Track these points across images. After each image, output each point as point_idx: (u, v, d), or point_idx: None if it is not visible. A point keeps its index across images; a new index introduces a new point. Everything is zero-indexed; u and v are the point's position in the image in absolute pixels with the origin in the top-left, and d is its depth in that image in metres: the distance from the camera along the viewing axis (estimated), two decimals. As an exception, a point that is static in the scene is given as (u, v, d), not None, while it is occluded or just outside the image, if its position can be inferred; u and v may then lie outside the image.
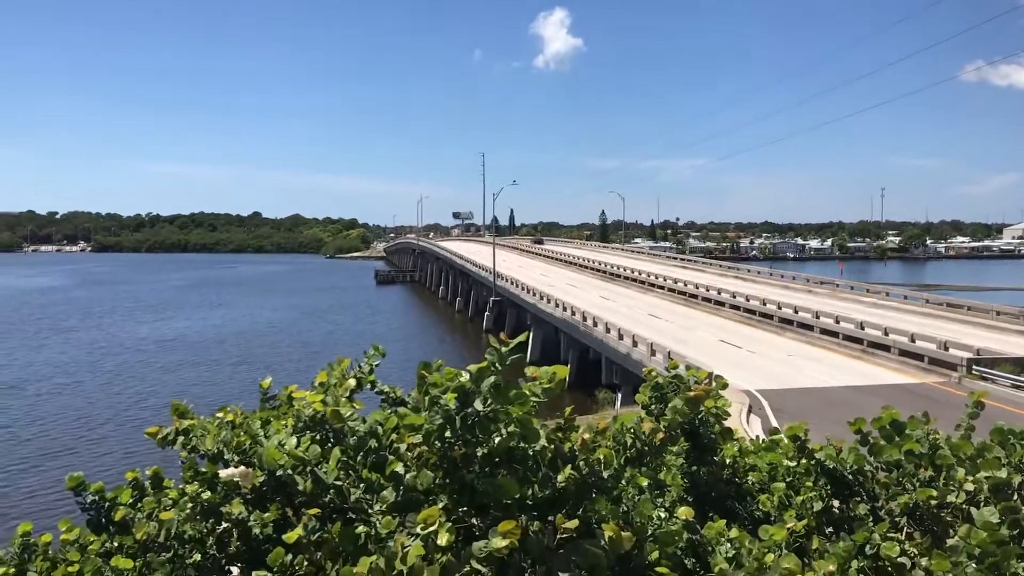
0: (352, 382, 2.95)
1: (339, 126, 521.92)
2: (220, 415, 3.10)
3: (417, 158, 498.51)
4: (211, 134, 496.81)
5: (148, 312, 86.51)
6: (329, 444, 2.77)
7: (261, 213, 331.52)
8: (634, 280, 64.82)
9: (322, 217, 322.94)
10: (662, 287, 58.25)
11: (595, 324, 40.67)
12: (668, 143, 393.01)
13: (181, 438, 3.00)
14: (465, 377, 2.45)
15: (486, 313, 70.56)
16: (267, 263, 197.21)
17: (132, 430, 33.86)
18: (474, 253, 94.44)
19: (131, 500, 2.93)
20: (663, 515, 2.66)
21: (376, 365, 3.09)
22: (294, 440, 2.76)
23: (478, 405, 2.40)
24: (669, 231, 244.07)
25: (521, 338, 2.53)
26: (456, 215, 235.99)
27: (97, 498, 2.89)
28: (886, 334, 31.61)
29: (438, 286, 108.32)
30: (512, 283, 63.64)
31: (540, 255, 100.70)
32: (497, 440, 2.41)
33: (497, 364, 2.46)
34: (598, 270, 75.51)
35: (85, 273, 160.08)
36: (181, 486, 2.88)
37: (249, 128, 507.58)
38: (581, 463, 2.52)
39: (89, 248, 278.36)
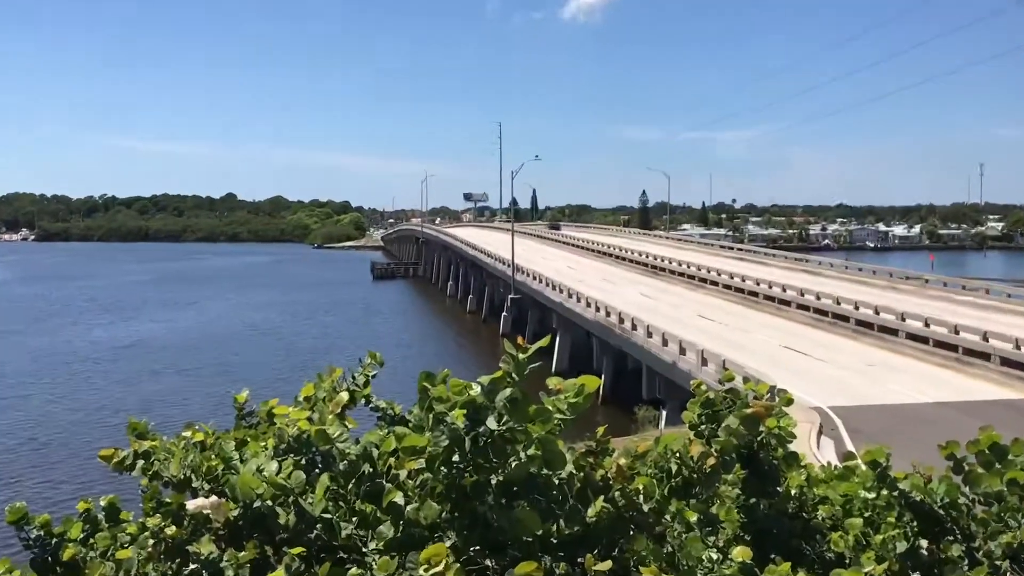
0: (344, 396, 2.96)
1: (327, 92, 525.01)
2: (187, 435, 3.12)
3: (421, 129, 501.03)
4: (176, 101, 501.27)
5: (104, 312, 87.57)
6: (316, 470, 2.78)
7: (236, 195, 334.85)
8: (681, 275, 64.76)
9: (308, 200, 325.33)
10: (715, 283, 58.16)
11: (634, 327, 40.70)
12: (721, 109, 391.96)
13: (141, 462, 3.03)
14: (476, 390, 2.45)
15: (503, 314, 70.80)
16: (244, 254, 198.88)
17: (85, 453, 34.11)
18: (489, 242, 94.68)
19: (82, 536, 2.91)
20: (715, 556, 2.65)
21: (373, 376, 3.10)
22: (274, 465, 2.78)
23: (492, 423, 2.41)
24: (723, 215, 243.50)
25: (543, 342, 2.53)
26: (467, 197, 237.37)
27: (42, 533, 2.89)
28: (986, 339, 31.39)
29: (446, 281, 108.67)
30: (535, 278, 63.81)
31: (567, 244, 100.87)
32: (515, 465, 2.42)
33: (514, 374, 2.46)
34: (638, 262, 75.50)
35: (29, 266, 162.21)
36: (141, 519, 2.88)
37: (221, 95, 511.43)
38: (616, 494, 2.52)
39: (32, 236, 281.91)
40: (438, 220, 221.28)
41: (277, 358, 60.49)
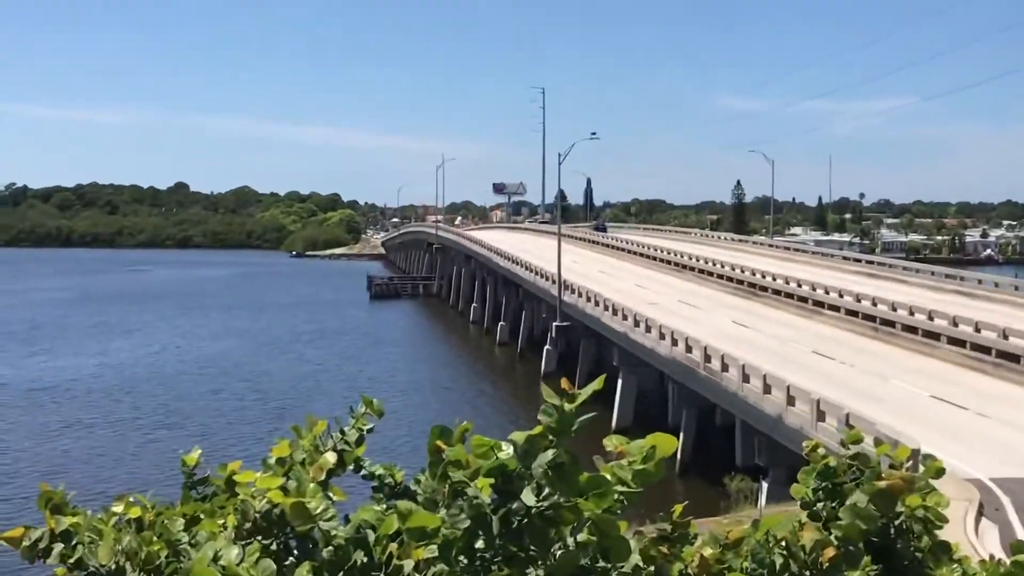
0: (330, 458, 2.97)
1: (312, 46, 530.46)
2: (119, 509, 3.13)
3: (435, 98, 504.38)
4: (108, 58, 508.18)
5: (11, 341, 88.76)
6: (292, 558, 2.79)
7: (188, 185, 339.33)
8: (790, 296, 64.38)
9: (285, 192, 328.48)
10: (836, 308, 57.75)
11: (725, 367, 40.50)
12: (846, 72, 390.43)
13: (59, 546, 3.04)
14: (507, 452, 2.45)
15: (545, 347, 70.88)
16: (199, 264, 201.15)
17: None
18: (527, 249, 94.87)
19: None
20: None
21: (368, 431, 3.11)
22: (236, 551, 2.78)
23: (528, 498, 2.41)
24: (847, 216, 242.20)
25: (598, 385, 2.53)
26: (499, 189, 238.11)
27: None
28: None
29: (468, 303, 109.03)
30: (589, 298, 63.78)
31: (633, 254, 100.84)
32: (560, 556, 2.41)
33: (560, 430, 2.46)
34: (730, 279, 75.24)
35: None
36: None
37: (170, 49, 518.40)
38: (698, 596, 2.51)
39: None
40: (459, 219, 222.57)
41: (241, 406, 60.97)
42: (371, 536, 2.74)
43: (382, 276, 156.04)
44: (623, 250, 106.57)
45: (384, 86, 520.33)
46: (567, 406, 2.49)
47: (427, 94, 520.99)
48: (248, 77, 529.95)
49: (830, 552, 2.90)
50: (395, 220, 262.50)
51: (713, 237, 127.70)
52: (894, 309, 52.23)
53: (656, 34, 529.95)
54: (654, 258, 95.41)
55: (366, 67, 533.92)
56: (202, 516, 3.12)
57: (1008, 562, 3.44)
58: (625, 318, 55.42)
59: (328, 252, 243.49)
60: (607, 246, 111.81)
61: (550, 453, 2.44)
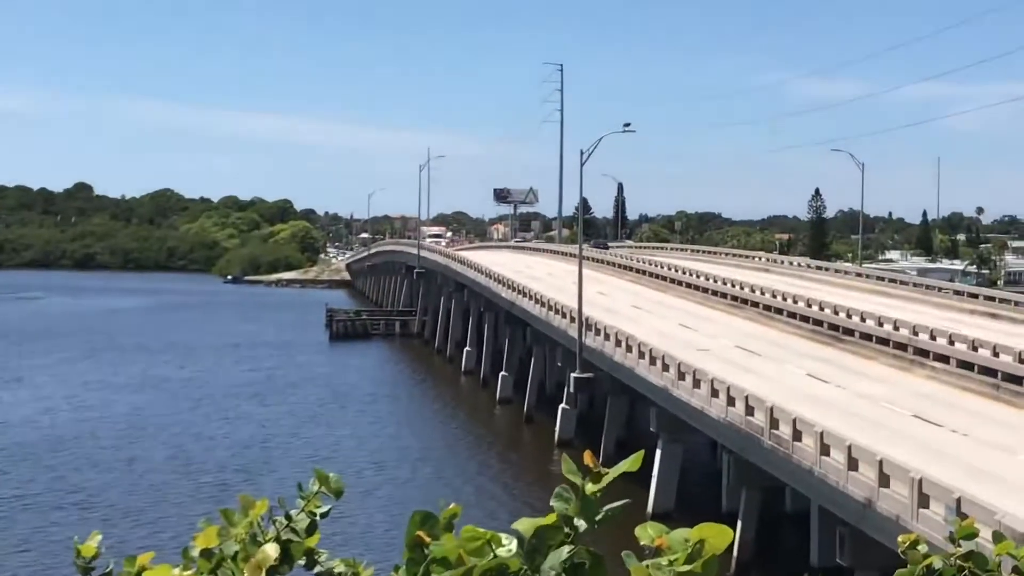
0: (270, 551, 2.97)
1: (259, 9, 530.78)
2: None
3: (420, 80, 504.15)
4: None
5: None
6: None
7: (92, 187, 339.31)
8: (884, 342, 64.10)
9: (219, 198, 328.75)
10: (945, 358, 57.46)
11: (798, 435, 40.34)
12: (959, 47, 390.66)
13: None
14: (508, 546, 2.45)
15: (560, 407, 70.44)
16: (106, 291, 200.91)
17: None
18: (536, 277, 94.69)
19: None
20: None
21: (323, 515, 3.10)
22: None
23: (537, 610, 2.40)
24: (961, 237, 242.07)
25: (631, 465, 2.52)
26: (502, 196, 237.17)
27: None
28: None
29: (460, 346, 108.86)
30: (619, 342, 63.53)
31: (673, 283, 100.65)
32: None
33: (578, 518, 2.45)
34: (805, 318, 75.05)
35: None
36: None
37: (67, 13, 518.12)
38: None
39: None
40: (449, 235, 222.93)
41: (162, 481, 60.74)
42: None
43: (346, 309, 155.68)
44: (663, 278, 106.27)
45: (354, 64, 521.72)
46: (589, 488, 2.49)
47: (410, 75, 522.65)
48: (172, 51, 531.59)
49: None
50: (364, 236, 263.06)
51: (783, 263, 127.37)
52: (1022, 361, 51.92)
53: (699, 5, 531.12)
54: (704, 289, 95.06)
55: (329, 40, 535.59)
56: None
57: None
58: (666, 368, 55.08)
59: (275, 277, 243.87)
60: (642, 273, 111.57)
61: (565, 550, 2.44)
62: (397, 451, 70.26)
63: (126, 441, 71.07)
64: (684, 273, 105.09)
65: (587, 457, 2.55)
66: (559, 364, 77.18)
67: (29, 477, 60.94)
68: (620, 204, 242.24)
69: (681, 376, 52.95)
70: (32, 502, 55.74)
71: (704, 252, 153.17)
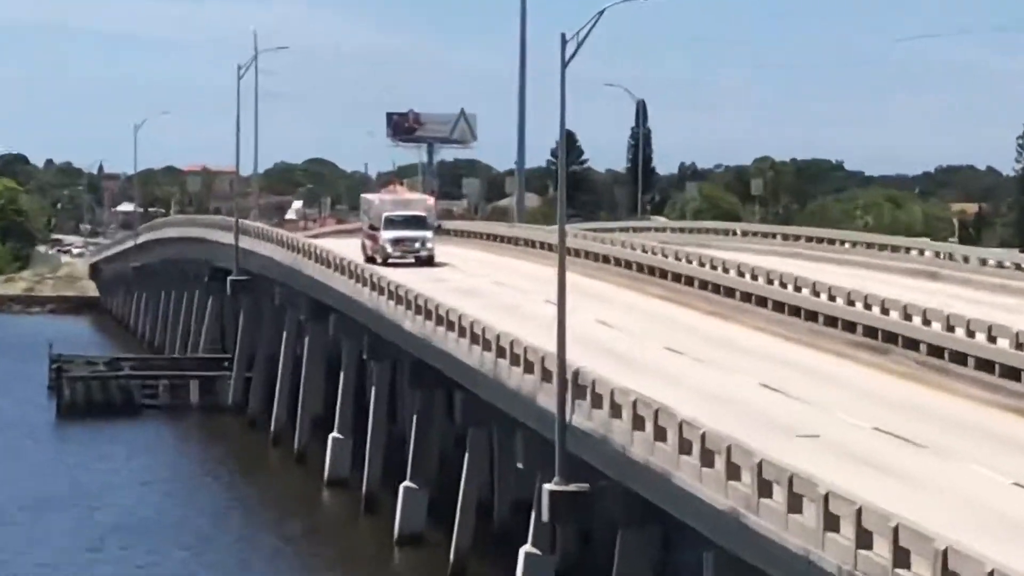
0: None
1: None
2: None
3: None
4: None
5: None
6: None
7: None
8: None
9: None
10: None
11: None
12: None
13: None
14: None
15: (523, 549, 47.22)
16: None
17: None
18: (474, 289, 66.71)
19: None
20: None
21: None
22: None
23: None
24: None
25: None
26: (403, 129, 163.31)
27: None
28: None
29: (324, 428, 73.95)
30: (657, 429, 38.34)
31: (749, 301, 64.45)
32: None
33: None
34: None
35: None
36: None
37: None
38: None
39: None
40: (297, 207, 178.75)
41: None
42: None
43: (90, 357, 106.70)
44: (750, 298, 66.65)
45: None
46: None
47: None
48: None
49: None
50: (126, 210, 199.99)
51: (965, 262, 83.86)
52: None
53: None
54: (812, 315, 60.49)
55: None
56: None
57: None
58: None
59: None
60: (691, 283, 70.03)
61: None
62: None
63: None
64: (798, 291, 62.96)
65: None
66: (520, 465, 49.36)
67: None
68: (639, 141, 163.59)
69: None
70: None
71: (808, 240, 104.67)
